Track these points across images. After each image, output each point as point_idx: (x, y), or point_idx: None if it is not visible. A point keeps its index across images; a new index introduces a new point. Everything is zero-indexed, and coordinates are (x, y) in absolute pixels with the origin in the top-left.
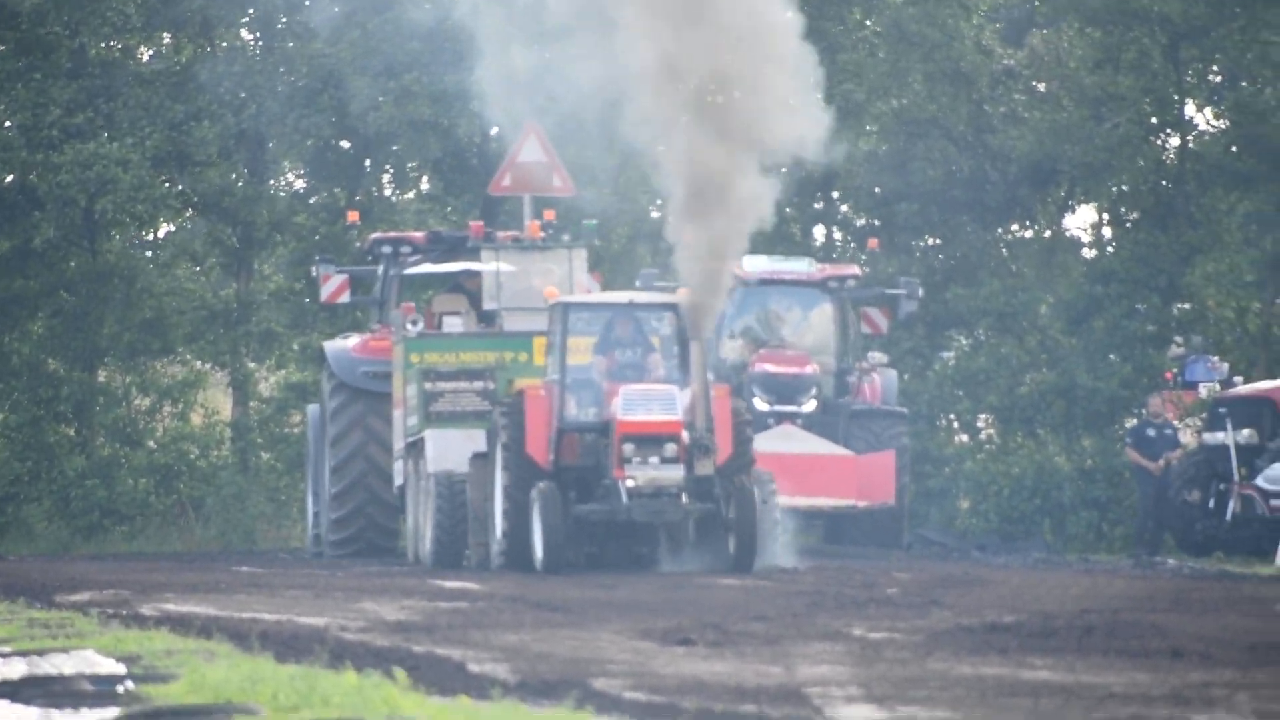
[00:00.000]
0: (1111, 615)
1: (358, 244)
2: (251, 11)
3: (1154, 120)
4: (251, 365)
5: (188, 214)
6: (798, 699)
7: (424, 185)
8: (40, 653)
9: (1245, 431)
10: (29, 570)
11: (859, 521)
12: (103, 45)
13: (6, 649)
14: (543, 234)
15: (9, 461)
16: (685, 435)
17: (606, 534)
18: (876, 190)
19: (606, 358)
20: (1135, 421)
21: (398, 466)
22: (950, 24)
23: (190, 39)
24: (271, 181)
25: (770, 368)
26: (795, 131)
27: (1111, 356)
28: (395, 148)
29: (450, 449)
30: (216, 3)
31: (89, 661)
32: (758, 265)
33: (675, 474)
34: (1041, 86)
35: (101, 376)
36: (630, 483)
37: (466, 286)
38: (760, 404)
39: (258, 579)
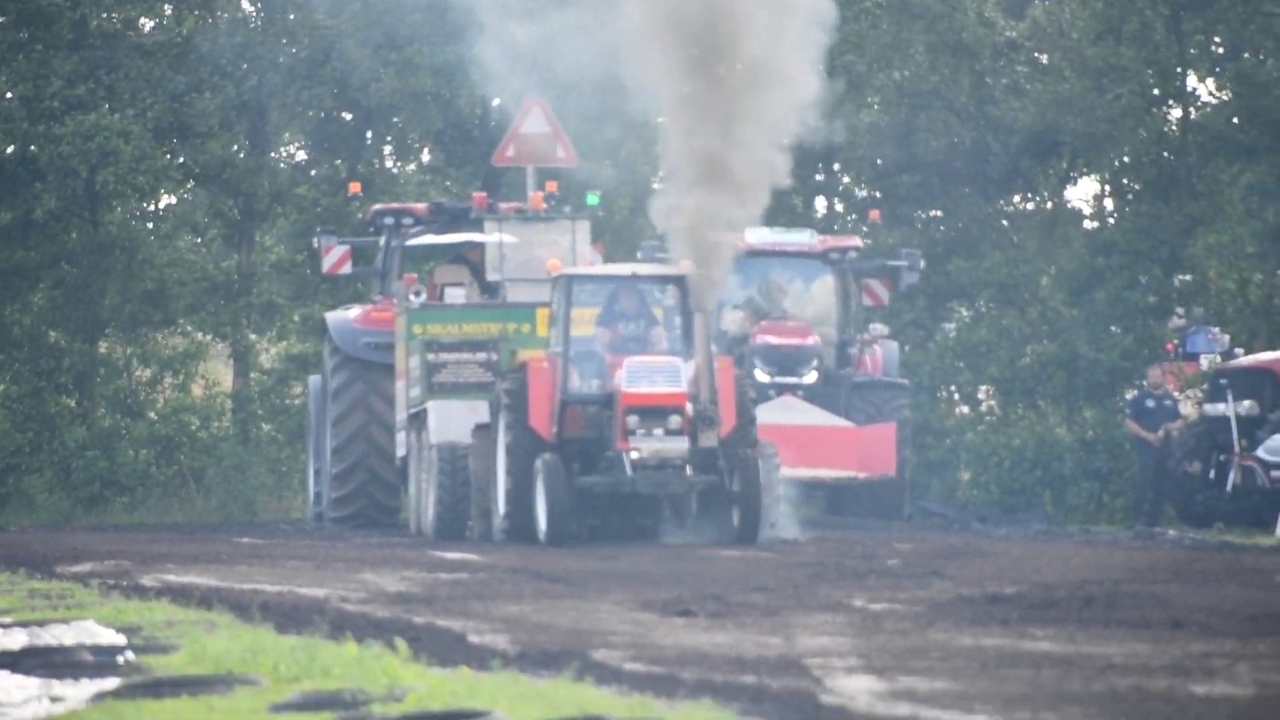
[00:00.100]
0: (1112, 586)
1: (359, 215)
2: None
3: (1156, 92)
4: (253, 337)
5: (189, 185)
6: (798, 670)
7: (425, 157)
8: (41, 623)
9: (1246, 403)
10: (30, 541)
11: (860, 493)
12: (104, 16)
13: (7, 620)
14: (545, 205)
15: (10, 432)
16: (689, 407)
17: (610, 506)
18: (878, 162)
19: (610, 330)
20: (1135, 393)
21: (400, 438)
22: None
23: (191, 10)
24: (273, 153)
25: (771, 339)
26: (796, 102)
27: (1113, 328)
28: (396, 119)
29: (453, 420)
30: None
31: (89, 632)
32: (759, 237)
33: (679, 446)
34: (1044, 58)
35: (103, 348)
36: (634, 455)
37: (469, 258)
38: (761, 375)
39: (258, 550)
